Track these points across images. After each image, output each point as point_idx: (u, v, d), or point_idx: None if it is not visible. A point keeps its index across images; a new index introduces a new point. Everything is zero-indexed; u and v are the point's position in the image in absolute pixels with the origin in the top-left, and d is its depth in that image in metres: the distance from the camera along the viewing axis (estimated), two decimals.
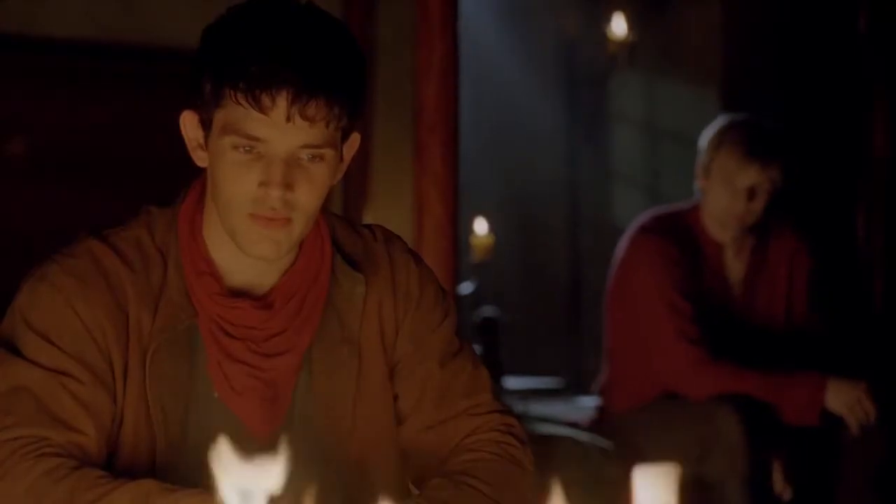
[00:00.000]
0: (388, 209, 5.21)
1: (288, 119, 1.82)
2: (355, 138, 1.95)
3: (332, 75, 1.84)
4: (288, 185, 1.84)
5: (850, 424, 3.64)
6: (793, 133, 5.65)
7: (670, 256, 3.75)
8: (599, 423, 3.94)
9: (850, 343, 4.57)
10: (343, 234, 2.04)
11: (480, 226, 5.14)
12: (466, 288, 4.92)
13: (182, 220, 1.95)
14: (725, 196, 3.73)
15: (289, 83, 1.81)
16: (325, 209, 2.01)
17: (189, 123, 1.92)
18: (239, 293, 1.94)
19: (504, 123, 6.43)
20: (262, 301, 1.94)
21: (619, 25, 5.09)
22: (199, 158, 1.93)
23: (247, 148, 1.85)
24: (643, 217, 3.89)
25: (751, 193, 3.73)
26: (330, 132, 1.86)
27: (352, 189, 5.25)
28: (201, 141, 1.91)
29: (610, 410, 3.91)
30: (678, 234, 3.80)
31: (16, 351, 1.88)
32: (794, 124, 5.66)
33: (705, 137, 3.82)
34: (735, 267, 3.86)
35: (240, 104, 1.83)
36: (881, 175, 4.66)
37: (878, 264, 4.67)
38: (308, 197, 1.86)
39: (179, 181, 2.01)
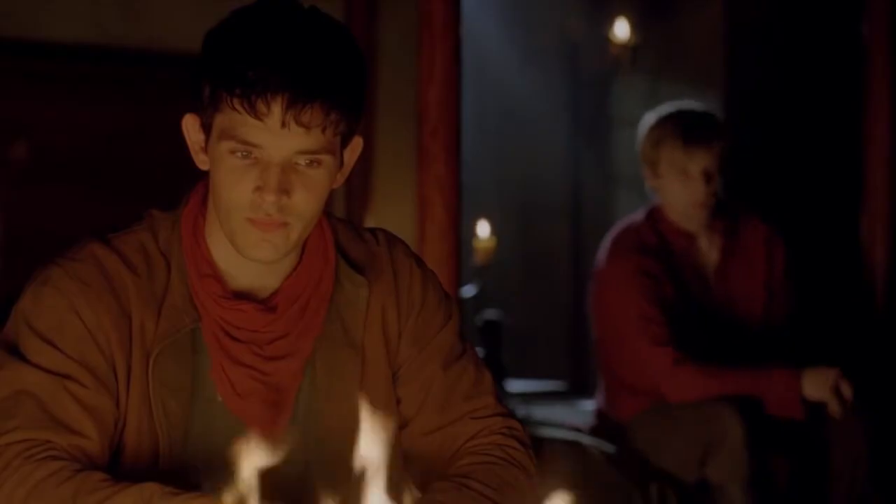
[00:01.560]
0: (391, 212, 5.22)
1: (283, 125, 1.82)
2: (357, 143, 1.95)
3: (329, 81, 1.83)
4: (284, 191, 1.84)
5: (832, 408, 3.64)
6: (796, 135, 5.65)
7: (638, 268, 3.76)
8: (601, 427, 3.94)
9: (852, 345, 4.58)
10: (346, 237, 2.04)
11: (483, 229, 5.14)
12: (469, 291, 4.92)
13: (185, 223, 1.96)
14: (681, 187, 3.74)
15: (284, 89, 1.80)
16: (328, 213, 2.02)
17: (191, 127, 1.92)
18: (242, 296, 1.95)
19: (506, 126, 6.43)
20: (266, 304, 1.95)
21: (621, 28, 5.09)
22: (201, 162, 1.93)
23: (244, 153, 1.85)
24: (608, 237, 3.90)
25: (706, 177, 3.74)
26: (327, 138, 1.85)
27: (354, 192, 5.26)
28: (202, 144, 1.91)
29: (611, 417, 3.91)
30: (644, 241, 3.81)
31: (19, 354, 1.88)
32: (796, 126, 5.66)
33: (639, 137, 3.83)
34: (710, 254, 3.87)
35: (236, 110, 1.83)
36: (884, 177, 4.66)
37: (880, 267, 4.67)
38: (305, 202, 1.86)
39: (182, 185, 2.02)
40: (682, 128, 3.74)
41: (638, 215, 3.91)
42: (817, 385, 3.65)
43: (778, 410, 3.71)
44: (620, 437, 3.83)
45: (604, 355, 3.91)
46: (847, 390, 3.64)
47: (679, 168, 3.73)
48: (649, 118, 3.86)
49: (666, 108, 3.86)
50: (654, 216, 3.85)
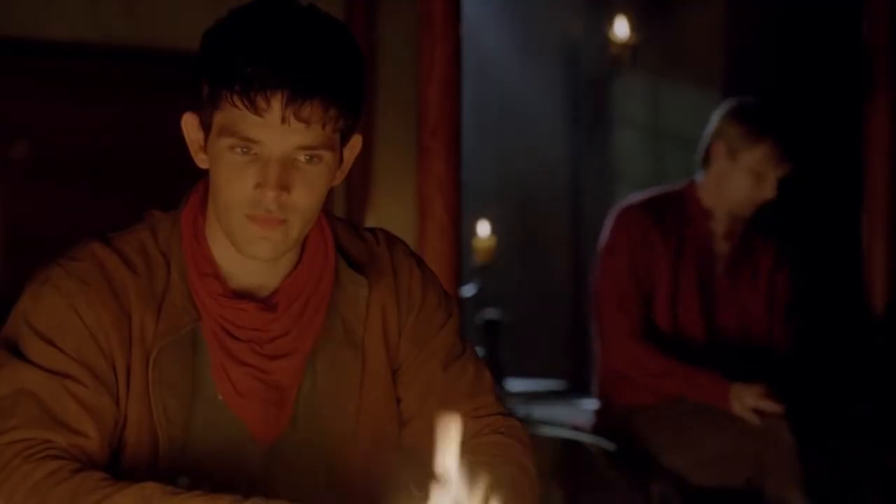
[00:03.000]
0: (391, 211, 5.22)
1: (283, 121, 1.82)
2: (356, 140, 1.95)
3: (328, 77, 1.83)
4: (284, 187, 1.84)
5: (752, 421, 3.66)
6: (796, 135, 5.65)
7: (635, 237, 3.84)
8: (602, 424, 3.94)
9: (851, 349, 4.58)
10: (346, 237, 2.04)
11: (483, 228, 5.14)
12: (469, 290, 4.92)
13: (185, 222, 1.96)
14: (751, 184, 3.81)
15: (283, 85, 1.81)
16: (328, 212, 2.02)
17: (190, 126, 1.93)
18: (242, 295, 1.95)
19: (507, 125, 6.43)
20: (266, 303, 1.95)
21: (621, 28, 5.09)
22: (201, 161, 1.93)
23: (243, 149, 1.85)
24: (617, 207, 3.96)
25: (777, 185, 3.81)
26: (327, 134, 1.86)
27: (354, 191, 5.25)
28: (202, 143, 1.91)
29: (612, 405, 3.91)
30: (660, 210, 3.85)
31: (19, 354, 1.88)
32: (796, 127, 5.65)
33: (728, 117, 3.84)
34: (723, 244, 3.91)
35: (235, 106, 1.83)
36: (884, 176, 4.66)
37: (880, 266, 4.67)
38: (304, 199, 1.87)
39: (183, 185, 2.02)
40: (784, 140, 3.82)
41: (668, 188, 3.96)
42: (738, 401, 3.67)
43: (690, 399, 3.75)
44: (624, 430, 3.83)
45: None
46: (770, 408, 3.65)
47: (762, 170, 3.80)
48: (744, 104, 3.90)
49: (761, 107, 3.91)
50: (686, 194, 3.89)
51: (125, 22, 4.83)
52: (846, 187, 5.08)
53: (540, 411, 4.63)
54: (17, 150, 4.61)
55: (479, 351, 2.28)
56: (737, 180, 3.81)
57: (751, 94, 4.16)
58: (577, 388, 5.63)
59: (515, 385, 5.13)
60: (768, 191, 3.81)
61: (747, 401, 3.64)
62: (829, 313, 4.86)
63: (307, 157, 1.86)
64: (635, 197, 3.99)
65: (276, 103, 1.81)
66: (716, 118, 3.87)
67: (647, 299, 3.81)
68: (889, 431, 3.93)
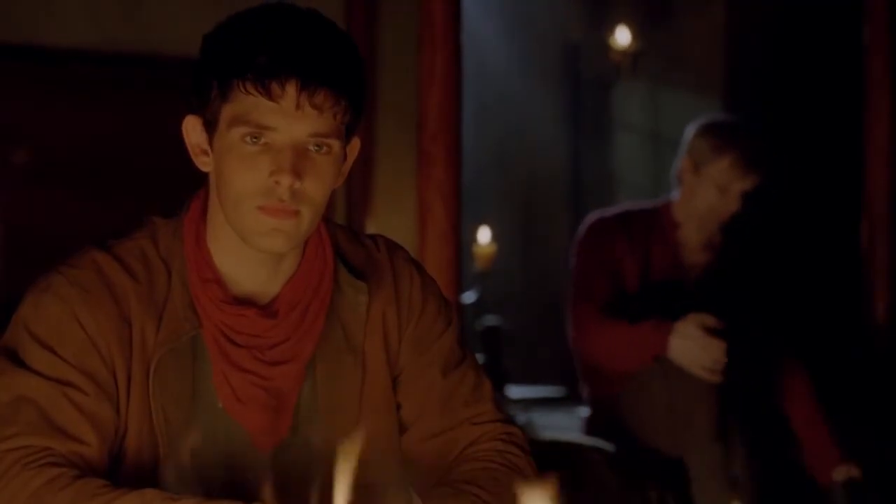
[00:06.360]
0: (391, 217, 5.22)
1: (297, 107, 1.83)
2: (356, 143, 1.96)
3: (337, 67, 1.85)
4: (297, 174, 1.85)
5: (699, 374, 3.65)
6: (796, 139, 5.65)
7: (605, 241, 3.88)
8: (592, 429, 3.95)
9: (852, 349, 4.58)
10: (346, 243, 2.04)
11: (483, 234, 5.14)
12: (469, 297, 4.92)
13: (187, 229, 1.96)
14: (716, 197, 3.82)
15: (297, 72, 1.82)
16: (327, 218, 2.01)
17: (192, 128, 1.92)
18: (243, 301, 1.94)
19: (507, 131, 6.43)
20: (267, 309, 1.95)
21: (622, 34, 5.09)
22: (203, 164, 1.93)
23: (255, 137, 1.85)
24: (588, 219, 3.97)
25: (741, 197, 3.81)
26: (336, 124, 1.87)
27: (355, 197, 5.25)
28: (205, 146, 1.91)
29: (594, 401, 3.94)
30: (624, 227, 3.88)
31: (19, 361, 1.87)
32: (796, 132, 5.66)
33: (696, 132, 3.87)
34: (699, 257, 3.91)
35: (249, 94, 1.83)
36: (884, 179, 4.66)
37: (881, 270, 4.67)
38: (315, 188, 1.87)
39: (183, 189, 2.01)
40: (749, 150, 3.83)
41: (643, 204, 3.99)
42: (683, 328, 3.64)
43: (638, 359, 3.72)
44: (612, 427, 3.84)
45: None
46: (714, 322, 3.63)
47: (725, 182, 3.81)
48: (712, 120, 3.94)
49: (734, 121, 3.95)
50: (660, 210, 3.90)
51: (124, 27, 4.83)
52: (846, 191, 5.08)
53: (539, 418, 4.63)
54: (17, 154, 4.61)
55: (480, 358, 2.28)
56: (702, 193, 3.84)
57: (750, 100, 4.18)
58: (578, 395, 5.63)
59: (515, 392, 5.13)
60: (732, 203, 3.83)
61: (690, 327, 3.62)
62: (829, 318, 4.85)
63: (317, 146, 1.86)
64: (607, 210, 4.01)
65: (291, 89, 1.82)
66: (687, 136, 3.91)
67: (614, 294, 3.82)
68: (889, 431, 3.93)
